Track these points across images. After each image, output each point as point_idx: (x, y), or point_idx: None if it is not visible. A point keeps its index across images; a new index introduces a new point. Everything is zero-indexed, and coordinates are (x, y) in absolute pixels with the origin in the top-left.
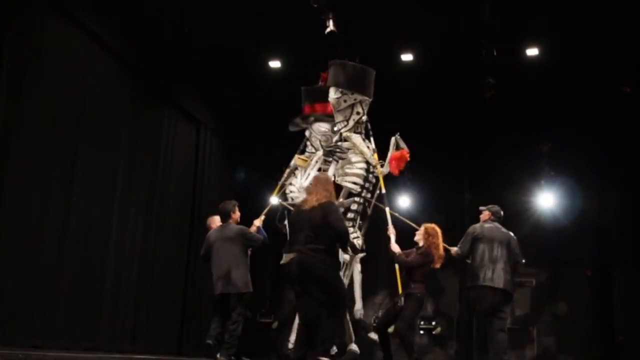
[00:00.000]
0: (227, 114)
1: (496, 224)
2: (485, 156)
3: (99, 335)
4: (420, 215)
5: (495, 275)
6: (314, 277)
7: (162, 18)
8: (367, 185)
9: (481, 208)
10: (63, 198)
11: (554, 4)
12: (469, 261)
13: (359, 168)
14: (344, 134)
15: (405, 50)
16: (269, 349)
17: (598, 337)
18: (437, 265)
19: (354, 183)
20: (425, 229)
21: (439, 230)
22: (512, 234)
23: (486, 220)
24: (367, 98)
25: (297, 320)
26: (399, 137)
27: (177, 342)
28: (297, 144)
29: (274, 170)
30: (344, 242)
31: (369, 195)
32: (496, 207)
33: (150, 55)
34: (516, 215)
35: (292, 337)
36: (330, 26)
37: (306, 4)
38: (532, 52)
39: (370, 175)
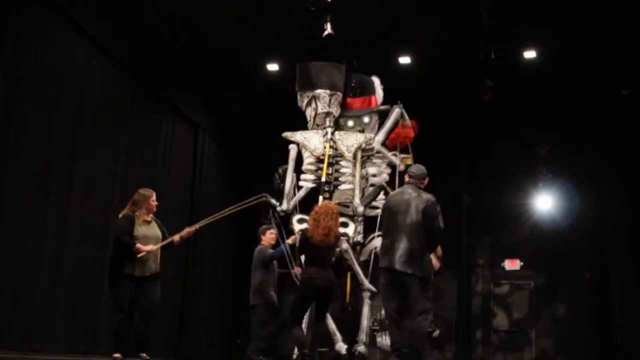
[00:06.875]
0: (225, 117)
1: (411, 187)
2: (483, 158)
3: (98, 338)
4: None
5: (396, 254)
6: None
7: (161, 22)
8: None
9: None
10: (62, 202)
11: (551, 7)
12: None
13: (308, 164)
14: (284, 136)
15: (403, 53)
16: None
17: (597, 340)
18: (320, 245)
19: (305, 180)
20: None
21: (330, 207)
22: (428, 196)
23: (404, 186)
24: (320, 91)
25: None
26: (401, 107)
27: (175, 346)
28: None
29: (272, 174)
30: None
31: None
32: (415, 166)
33: (148, 58)
34: (514, 218)
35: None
36: (328, 29)
37: (304, 7)
38: (530, 54)
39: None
